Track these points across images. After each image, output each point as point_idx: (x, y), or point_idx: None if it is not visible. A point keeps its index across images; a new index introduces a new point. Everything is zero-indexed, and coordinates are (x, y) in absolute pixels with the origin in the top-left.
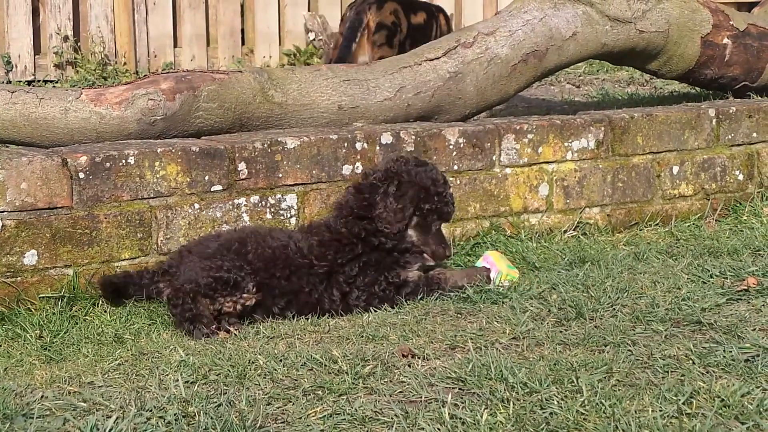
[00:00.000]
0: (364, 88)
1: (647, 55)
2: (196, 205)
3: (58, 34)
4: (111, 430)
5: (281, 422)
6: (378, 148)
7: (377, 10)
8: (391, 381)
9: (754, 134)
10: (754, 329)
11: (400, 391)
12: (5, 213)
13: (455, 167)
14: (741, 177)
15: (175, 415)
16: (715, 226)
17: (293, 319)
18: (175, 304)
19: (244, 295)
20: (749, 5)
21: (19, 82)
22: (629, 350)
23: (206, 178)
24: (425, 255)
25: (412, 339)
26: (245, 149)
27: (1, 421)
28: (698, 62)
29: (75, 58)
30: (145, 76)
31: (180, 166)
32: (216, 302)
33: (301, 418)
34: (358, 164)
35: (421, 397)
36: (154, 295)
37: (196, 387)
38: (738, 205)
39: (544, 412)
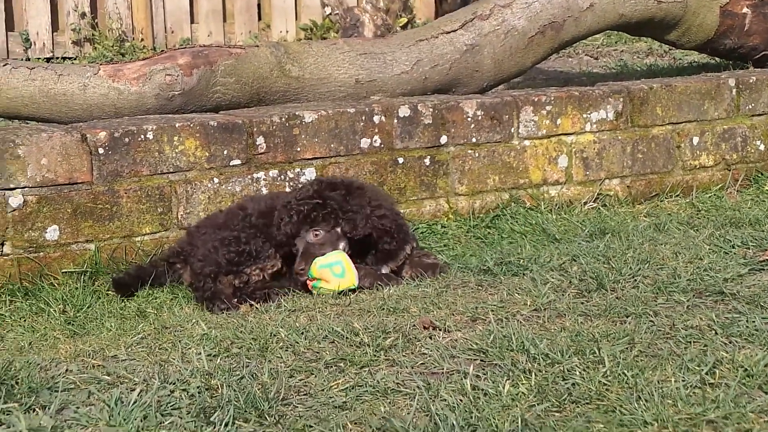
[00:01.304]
0: (381, 62)
1: (666, 25)
2: (216, 180)
3: (76, 11)
4: (135, 402)
5: (303, 394)
6: (395, 121)
7: None
8: (412, 353)
9: None
10: None
11: (422, 363)
12: (26, 189)
13: (473, 140)
14: (762, 147)
15: (198, 387)
16: (737, 196)
17: None
18: (197, 287)
19: (269, 263)
20: None
21: (38, 59)
22: (651, 321)
23: (225, 152)
24: None
25: (433, 311)
26: (263, 123)
27: (26, 395)
28: (717, 32)
29: (92, 35)
30: (162, 51)
31: (198, 140)
32: (242, 275)
33: (323, 390)
34: (376, 137)
35: (442, 369)
36: (174, 281)
37: (218, 360)
38: (759, 175)
39: (566, 383)
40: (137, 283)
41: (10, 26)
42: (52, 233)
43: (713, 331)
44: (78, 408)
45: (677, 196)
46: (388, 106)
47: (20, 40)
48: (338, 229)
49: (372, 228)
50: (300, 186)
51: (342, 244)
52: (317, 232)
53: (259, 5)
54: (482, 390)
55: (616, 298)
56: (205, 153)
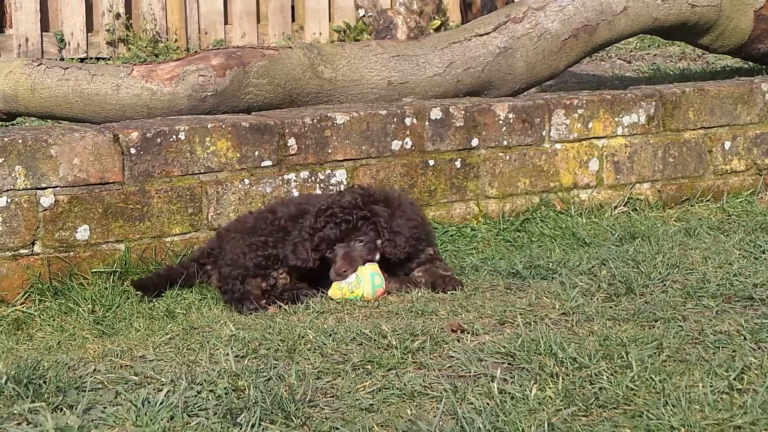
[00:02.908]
0: (414, 64)
1: (699, 29)
2: (246, 181)
3: (110, 11)
4: (162, 403)
5: (330, 396)
6: (427, 123)
7: None
8: (440, 356)
9: None
10: None
11: (449, 366)
12: (58, 188)
13: (505, 142)
14: None
15: (225, 388)
16: None
17: None
18: (225, 290)
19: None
20: None
21: (72, 59)
22: (680, 326)
23: (256, 153)
24: None
25: (461, 314)
26: (295, 125)
27: (54, 394)
28: (751, 36)
29: (127, 36)
30: (195, 52)
31: (230, 141)
32: (269, 278)
33: (350, 392)
34: (407, 140)
35: (470, 372)
36: (204, 282)
37: (246, 361)
38: None
39: (593, 387)
40: (165, 283)
41: (45, 26)
42: (83, 233)
43: (742, 337)
44: (105, 408)
45: (708, 200)
46: (420, 108)
47: (55, 40)
48: (378, 242)
49: (409, 250)
50: (334, 194)
51: (377, 256)
52: (361, 240)
53: (292, 7)
54: (509, 394)
55: (645, 302)
56: (237, 154)
